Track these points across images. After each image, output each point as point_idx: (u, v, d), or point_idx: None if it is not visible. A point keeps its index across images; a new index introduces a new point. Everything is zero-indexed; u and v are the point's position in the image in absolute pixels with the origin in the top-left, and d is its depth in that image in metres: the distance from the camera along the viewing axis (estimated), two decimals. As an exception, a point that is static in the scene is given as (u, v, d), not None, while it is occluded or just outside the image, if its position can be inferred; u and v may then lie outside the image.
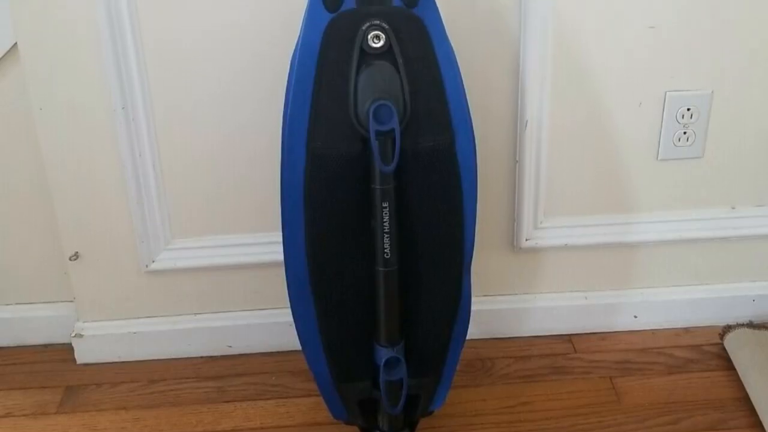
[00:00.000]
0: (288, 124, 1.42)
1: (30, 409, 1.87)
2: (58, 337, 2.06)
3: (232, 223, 1.90)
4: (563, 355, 2.00)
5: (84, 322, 2.00)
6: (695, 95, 1.80)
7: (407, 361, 1.57)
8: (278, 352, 2.01)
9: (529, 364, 1.97)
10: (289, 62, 1.46)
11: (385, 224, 1.43)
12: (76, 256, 1.90)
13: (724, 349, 1.96)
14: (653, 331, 2.06)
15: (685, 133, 1.84)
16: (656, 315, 2.05)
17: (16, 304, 2.05)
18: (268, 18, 1.68)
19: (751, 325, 2.01)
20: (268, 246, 1.84)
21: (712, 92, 1.80)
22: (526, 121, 1.79)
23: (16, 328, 2.06)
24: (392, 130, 1.35)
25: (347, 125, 1.38)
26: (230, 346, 2.02)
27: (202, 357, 2.03)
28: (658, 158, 1.87)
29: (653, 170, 1.89)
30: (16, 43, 1.69)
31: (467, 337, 1.64)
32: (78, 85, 1.72)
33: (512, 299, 2.03)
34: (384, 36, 1.35)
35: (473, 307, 1.63)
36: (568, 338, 2.05)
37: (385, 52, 1.36)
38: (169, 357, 2.02)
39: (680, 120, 1.82)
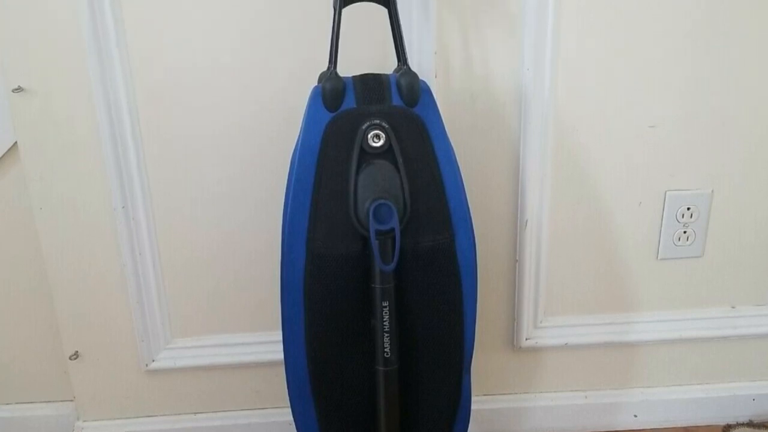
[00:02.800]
0: (288, 222, 1.40)
1: None
2: (58, 437, 2.01)
3: (232, 322, 1.87)
4: (564, 455, 1.94)
5: (84, 421, 1.94)
6: (695, 194, 1.78)
7: (408, 461, 1.52)
8: (278, 452, 1.96)
9: (530, 464, 1.91)
10: (290, 161, 1.44)
11: (385, 323, 1.41)
12: (76, 356, 1.86)
13: (725, 448, 1.92)
14: (653, 431, 2.00)
15: (685, 232, 1.81)
16: (656, 414, 2.00)
17: (16, 403, 2.00)
18: (268, 117, 1.67)
19: (751, 424, 1.97)
20: (269, 345, 1.81)
21: (712, 191, 1.78)
22: (526, 220, 1.76)
23: (16, 428, 2.00)
24: (392, 230, 1.34)
25: (347, 224, 1.36)
26: (230, 446, 1.97)
27: (201, 456, 1.97)
28: (658, 257, 1.84)
29: (653, 269, 1.86)
30: (16, 142, 1.67)
31: (468, 437, 1.60)
32: (78, 184, 1.70)
33: (512, 398, 1.98)
34: (384, 135, 1.34)
35: (473, 407, 1.60)
36: (569, 437, 1.99)
37: (385, 152, 1.35)
38: (168, 456, 1.97)
39: (680, 219, 1.80)
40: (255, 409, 1.95)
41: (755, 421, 1.98)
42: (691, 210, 1.79)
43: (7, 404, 2.00)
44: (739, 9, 1.63)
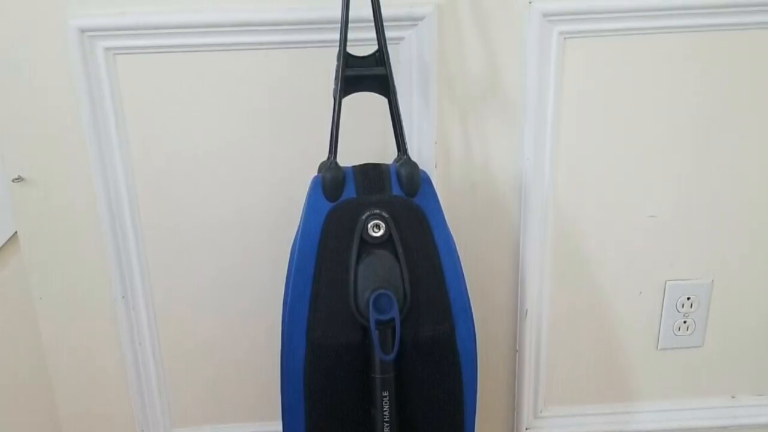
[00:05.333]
0: (288, 312, 1.37)
1: None
2: None
3: (232, 411, 1.83)
4: None
5: None
6: (695, 284, 1.76)
7: None
8: None
9: None
10: (290, 250, 1.42)
11: (385, 413, 1.38)
12: (76, 445, 1.82)
13: None
14: None
15: (685, 322, 1.79)
16: (657, 505, 1.96)
17: (16, 494, 1.96)
18: (268, 206, 1.66)
19: None
20: (269, 435, 1.78)
21: (712, 281, 1.77)
22: (526, 309, 1.74)
23: None
24: (392, 320, 1.31)
25: (347, 314, 1.34)
26: None
27: None
28: (658, 347, 1.82)
29: (653, 359, 1.84)
30: (16, 232, 1.66)
31: None
32: (78, 273, 1.68)
33: (513, 489, 1.94)
34: (384, 225, 1.32)
35: (473, 498, 1.55)
36: None
37: (385, 241, 1.33)
38: None
39: (680, 309, 1.78)
40: (255, 499, 1.92)
41: None
42: (691, 300, 1.77)
43: (7, 495, 1.96)
44: (738, 100, 1.63)
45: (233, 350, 1.77)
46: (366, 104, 1.41)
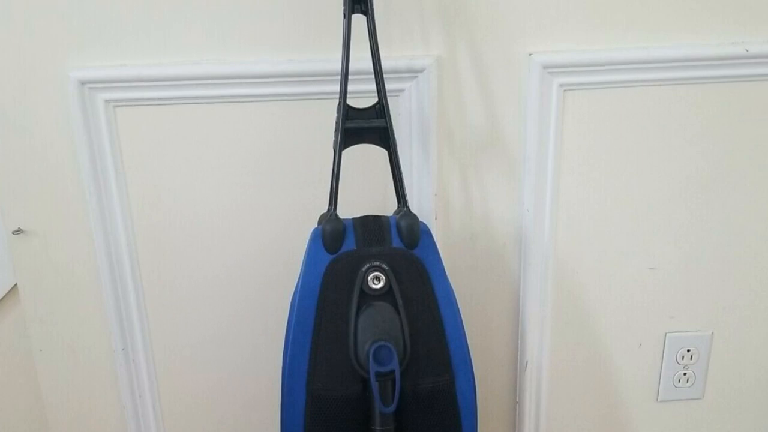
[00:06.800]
0: (288, 364, 1.35)
1: None
2: None
3: (232, 464, 1.81)
4: None
5: None
6: (695, 336, 1.75)
7: None
8: None
9: None
10: (290, 303, 1.40)
11: None
12: (75, 499, 1.79)
13: None
14: None
15: (685, 374, 1.78)
16: None
17: None
18: (268, 258, 1.64)
19: None
20: (269, 489, 1.76)
21: (713, 333, 1.75)
22: (526, 361, 1.72)
23: None
24: (392, 371, 1.29)
25: (347, 366, 1.32)
26: None
27: None
28: (658, 399, 1.81)
29: (653, 411, 1.82)
30: (16, 284, 1.65)
31: None
32: (78, 326, 1.67)
33: None
34: (384, 277, 1.30)
35: None
36: None
37: (385, 293, 1.31)
38: None
39: (680, 361, 1.76)
40: None
41: None
42: (691, 352, 1.76)
43: None
44: (739, 153, 1.62)
45: (233, 402, 1.75)
46: (366, 156, 1.40)
